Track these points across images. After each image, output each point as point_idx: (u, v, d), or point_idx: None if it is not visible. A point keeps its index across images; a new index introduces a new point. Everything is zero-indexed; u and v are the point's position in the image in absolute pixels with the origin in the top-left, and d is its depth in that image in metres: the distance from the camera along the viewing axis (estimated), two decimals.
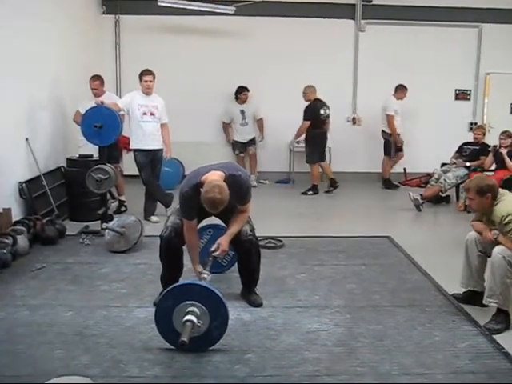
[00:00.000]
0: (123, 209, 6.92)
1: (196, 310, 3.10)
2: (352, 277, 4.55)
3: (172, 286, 3.27)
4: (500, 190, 3.78)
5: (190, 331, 3.03)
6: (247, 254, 3.89)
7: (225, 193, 3.42)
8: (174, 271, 3.87)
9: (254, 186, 8.71)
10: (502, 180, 6.71)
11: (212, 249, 3.71)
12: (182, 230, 3.75)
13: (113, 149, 6.33)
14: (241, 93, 8.80)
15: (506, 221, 3.57)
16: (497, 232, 3.68)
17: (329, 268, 4.76)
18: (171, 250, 3.81)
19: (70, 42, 7.38)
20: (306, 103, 8.21)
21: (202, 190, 3.47)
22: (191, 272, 4.02)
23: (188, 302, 3.11)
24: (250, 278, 4.01)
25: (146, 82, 6.22)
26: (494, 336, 3.46)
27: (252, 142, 8.99)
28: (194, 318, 3.07)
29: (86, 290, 4.18)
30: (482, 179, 3.82)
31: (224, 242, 3.71)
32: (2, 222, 5.11)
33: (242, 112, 8.84)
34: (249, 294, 3.99)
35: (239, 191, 3.68)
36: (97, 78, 6.61)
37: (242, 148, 8.95)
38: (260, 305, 3.90)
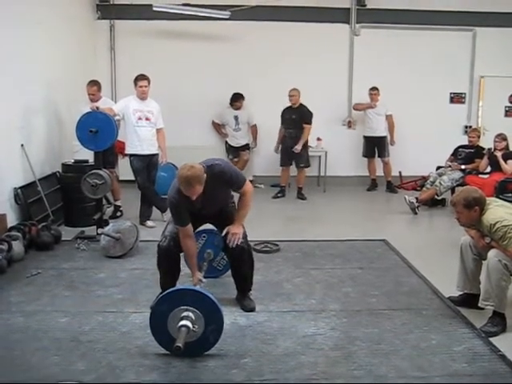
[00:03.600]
0: (119, 214, 6.91)
1: (191, 314, 3.10)
2: (348, 280, 4.55)
3: (166, 292, 3.26)
4: (487, 199, 3.75)
5: (185, 336, 3.03)
6: (239, 261, 3.89)
7: (195, 169, 3.42)
8: (172, 277, 3.87)
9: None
10: (497, 182, 6.72)
11: (228, 241, 3.71)
12: (179, 239, 3.75)
13: (108, 154, 6.33)
14: (236, 100, 8.81)
15: (495, 229, 3.56)
16: (489, 238, 3.68)
17: (325, 272, 4.76)
18: (170, 259, 3.82)
19: (65, 47, 7.37)
20: (304, 106, 8.20)
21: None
22: (187, 277, 4.02)
23: (183, 307, 3.11)
24: (242, 283, 4.01)
25: (140, 87, 6.22)
26: (491, 339, 3.47)
27: (245, 147, 8.99)
28: (188, 323, 3.06)
29: (81, 295, 4.17)
30: (468, 192, 3.75)
31: (237, 229, 3.72)
32: None
33: (236, 118, 8.84)
34: (242, 299, 3.98)
35: (225, 178, 3.66)
36: (94, 84, 6.60)
37: (235, 153, 8.95)
38: (252, 309, 3.89)
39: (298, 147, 8.21)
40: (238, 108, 8.85)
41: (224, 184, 3.67)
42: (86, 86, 6.59)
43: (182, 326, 3.05)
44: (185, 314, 3.09)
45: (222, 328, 3.21)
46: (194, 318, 3.09)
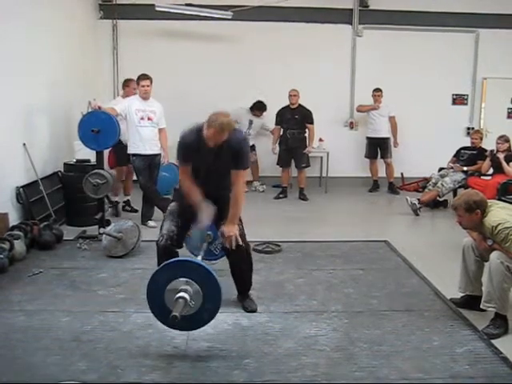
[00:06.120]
0: (128, 208, 7.05)
1: (190, 288, 3.08)
2: (350, 281, 4.55)
3: (170, 261, 3.24)
4: (488, 201, 3.75)
5: (182, 308, 3.00)
6: (237, 260, 3.88)
7: (230, 118, 3.52)
8: None
9: (263, 191, 8.89)
10: (499, 184, 6.71)
11: (220, 243, 3.68)
12: (177, 237, 3.77)
13: (124, 151, 6.35)
14: (259, 109, 8.72)
15: (497, 231, 3.56)
16: (492, 240, 3.68)
17: (326, 273, 4.76)
18: (167, 257, 3.79)
19: (68, 46, 7.38)
20: (303, 106, 8.23)
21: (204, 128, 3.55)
22: None
23: (183, 279, 3.09)
24: (241, 282, 4.01)
25: (143, 86, 6.21)
26: (493, 341, 3.46)
27: (252, 148, 8.98)
28: (186, 296, 3.04)
29: (83, 295, 4.17)
30: (469, 196, 3.75)
31: (230, 229, 3.66)
32: None
33: (250, 122, 8.71)
34: (243, 300, 3.98)
35: (239, 147, 3.69)
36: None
37: None
38: (253, 310, 3.88)
39: (310, 149, 8.36)
40: (256, 115, 8.77)
41: (234, 153, 3.67)
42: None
43: (180, 297, 3.03)
44: (184, 286, 3.07)
45: (219, 307, 3.19)
46: (192, 291, 3.08)
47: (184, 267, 3.18)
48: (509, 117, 9.58)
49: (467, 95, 9.57)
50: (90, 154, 6.16)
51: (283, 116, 8.30)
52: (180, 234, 3.81)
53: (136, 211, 6.88)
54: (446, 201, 7.72)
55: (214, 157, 3.66)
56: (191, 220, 3.81)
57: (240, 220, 3.86)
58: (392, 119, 8.85)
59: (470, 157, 7.69)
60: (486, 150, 7.60)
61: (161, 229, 3.87)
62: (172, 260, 3.27)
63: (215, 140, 3.54)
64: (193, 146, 3.66)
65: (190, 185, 3.77)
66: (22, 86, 5.81)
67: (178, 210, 3.85)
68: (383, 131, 8.84)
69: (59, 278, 4.53)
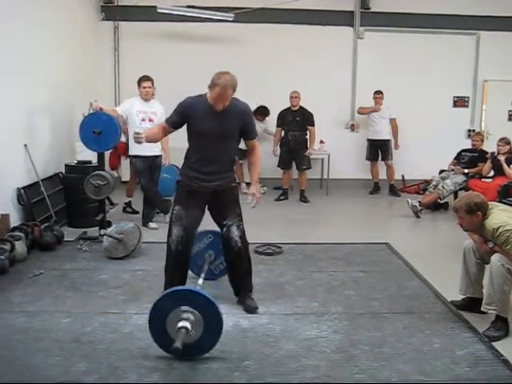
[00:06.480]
0: (129, 210, 7.05)
1: (191, 316, 3.07)
2: (350, 283, 4.54)
3: (173, 290, 3.23)
4: (489, 203, 3.75)
5: (184, 337, 3.00)
6: (236, 262, 3.89)
7: (232, 75, 3.57)
8: (179, 283, 3.77)
9: (263, 193, 8.80)
10: (500, 187, 6.70)
11: (248, 201, 3.77)
12: (186, 241, 3.76)
13: None
14: (261, 114, 8.73)
15: (498, 233, 3.56)
16: (492, 242, 3.67)
17: (327, 275, 4.75)
18: (178, 262, 3.82)
19: (69, 47, 7.39)
20: (305, 108, 8.23)
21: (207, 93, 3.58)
22: (191, 278, 4.03)
23: (184, 308, 3.08)
24: (241, 285, 3.99)
25: (144, 88, 6.23)
26: (493, 343, 3.45)
27: None
28: (188, 325, 3.03)
29: (83, 296, 4.16)
30: (470, 197, 3.74)
31: (254, 189, 3.80)
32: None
33: None
34: (243, 299, 3.96)
35: (245, 115, 3.75)
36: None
37: (241, 155, 8.94)
38: (255, 309, 3.86)
39: (311, 151, 8.35)
40: (259, 120, 8.77)
41: (241, 120, 3.71)
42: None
43: (182, 327, 3.02)
44: (185, 315, 3.06)
45: (220, 336, 3.17)
46: (194, 320, 3.07)
47: (187, 296, 3.15)
48: (510, 119, 9.61)
49: (468, 97, 9.59)
50: (91, 155, 6.16)
51: (284, 118, 8.31)
52: (189, 237, 3.79)
53: (137, 213, 6.88)
54: (446, 203, 7.71)
55: (219, 125, 3.62)
56: (197, 214, 3.81)
57: (241, 219, 3.87)
58: (393, 121, 8.86)
59: (471, 159, 7.69)
60: (486, 153, 7.60)
61: (169, 234, 3.81)
62: (175, 289, 3.25)
63: (221, 100, 3.52)
64: (191, 111, 3.64)
65: (156, 138, 3.95)
66: (23, 86, 5.83)
67: (183, 211, 3.79)
68: (384, 133, 8.85)
69: (60, 279, 4.53)
